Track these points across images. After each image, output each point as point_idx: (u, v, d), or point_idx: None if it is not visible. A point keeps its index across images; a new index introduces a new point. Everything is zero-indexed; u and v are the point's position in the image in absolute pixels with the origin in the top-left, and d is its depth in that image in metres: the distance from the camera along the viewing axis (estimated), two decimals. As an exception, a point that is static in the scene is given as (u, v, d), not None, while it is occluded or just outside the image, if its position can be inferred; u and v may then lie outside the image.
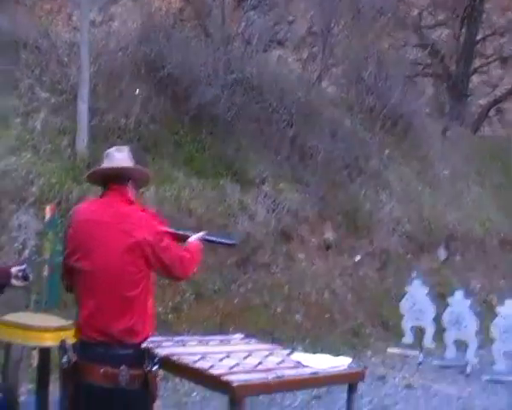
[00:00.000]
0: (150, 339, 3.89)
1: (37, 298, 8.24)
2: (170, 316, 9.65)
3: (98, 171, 4.06)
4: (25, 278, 4.21)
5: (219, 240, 4.68)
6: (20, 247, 9.28)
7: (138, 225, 3.78)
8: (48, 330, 4.86)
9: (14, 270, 4.19)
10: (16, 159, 10.24)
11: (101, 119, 11.72)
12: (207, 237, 4.44)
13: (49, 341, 4.76)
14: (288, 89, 15.02)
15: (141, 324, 3.74)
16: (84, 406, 3.70)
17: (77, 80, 11.44)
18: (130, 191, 3.98)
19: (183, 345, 4.54)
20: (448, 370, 10.91)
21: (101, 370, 3.59)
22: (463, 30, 23.05)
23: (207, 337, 5.01)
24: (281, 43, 21.33)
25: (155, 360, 3.73)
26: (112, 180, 3.94)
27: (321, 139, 14.22)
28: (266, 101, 14.29)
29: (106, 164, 3.99)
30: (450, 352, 11.32)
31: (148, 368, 3.69)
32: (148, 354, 3.73)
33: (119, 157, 3.99)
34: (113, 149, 4.07)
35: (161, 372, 3.90)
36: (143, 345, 3.76)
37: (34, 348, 5.90)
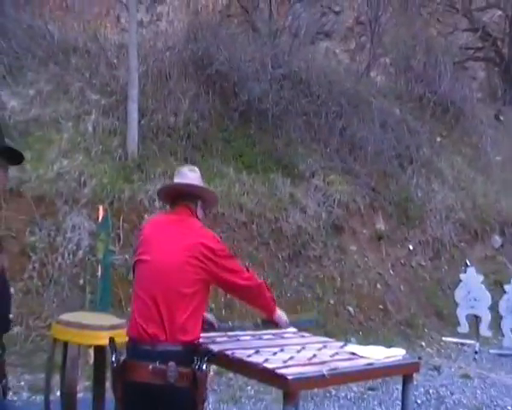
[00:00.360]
0: (203, 335, 3.92)
1: (92, 298, 8.43)
2: (223, 312, 9.71)
3: (172, 186, 4.14)
4: None
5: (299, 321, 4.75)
6: (75, 247, 9.48)
7: (199, 232, 3.87)
8: (102, 328, 4.95)
9: None
10: (69, 161, 10.47)
11: (151, 118, 11.90)
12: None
13: (103, 339, 4.82)
14: (336, 80, 14.98)
15: (192, 324, 3.75)
16: (131, 404, 3.74)
17: (126, 81, 11.62)
18: (199, 211, 4.07)
19: (237, 340, 4.56)
20: (506, 359, 10.76)
21: (150, 366, 3.60)
22: (516, 11, 22.53)
23: (261, 332, 5.02)
24: (328, 35, 21.15)
25: (205, 359, 3.69)
26: (182, 197, 4.02)
27: (370, 130, 14.13)
28: (314, 94, 14.27)
29: (178, 181, 4.07)
30: (508, 340, 11.15)
31: (197, 367, 3.67)
32: (197, 353, 3.71)
33: (192, 177, 4.07)
34: (185, 168, 4.16)
35: (215, 367, 3.91)
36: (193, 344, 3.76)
37: (90, 347, 6.02)
